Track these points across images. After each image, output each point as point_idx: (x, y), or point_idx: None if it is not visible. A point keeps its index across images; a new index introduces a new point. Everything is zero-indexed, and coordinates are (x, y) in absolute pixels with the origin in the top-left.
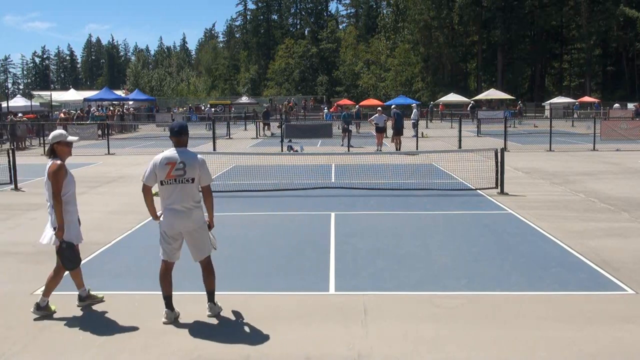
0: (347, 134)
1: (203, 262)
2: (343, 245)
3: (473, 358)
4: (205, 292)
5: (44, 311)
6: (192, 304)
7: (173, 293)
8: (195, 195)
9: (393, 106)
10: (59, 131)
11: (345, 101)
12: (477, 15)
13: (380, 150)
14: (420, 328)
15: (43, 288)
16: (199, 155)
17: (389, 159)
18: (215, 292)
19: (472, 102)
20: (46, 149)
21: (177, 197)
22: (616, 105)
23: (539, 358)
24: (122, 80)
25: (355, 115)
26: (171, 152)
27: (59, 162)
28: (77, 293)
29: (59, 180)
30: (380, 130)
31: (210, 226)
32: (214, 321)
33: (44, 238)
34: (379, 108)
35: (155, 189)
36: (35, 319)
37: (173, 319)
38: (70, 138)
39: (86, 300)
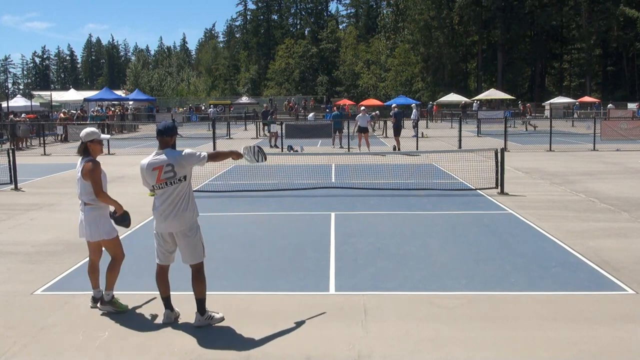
0: (337, 133)
1: (193, 267)
2: (343, 245)
3: (473, 358)
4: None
5: (109, 305)
6: (191, 304)
7: (172, 293)
8: (187, 195)
9: (394, 105)
10: (92, 129)
11: (345, 101)
12: (477, 15)
13: (367, 150)
14: (421, 328)
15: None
16: (183, 151)
17: (389, 159)
18: (216, 292)
19: (464, 101)
20: (79, 147)
21: (170, 199)
22: (610, 105)
23: (539, 358)
24: (122, 80)
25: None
26: (155, 155)
27: (95, 160)
28: (91, 294)
29: (98, 177)
30: (362, 130)
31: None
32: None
33: (84, 235)
34: (363, 107)
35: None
36: (102, 314)
37: (173, 319)
38: (102, 136)
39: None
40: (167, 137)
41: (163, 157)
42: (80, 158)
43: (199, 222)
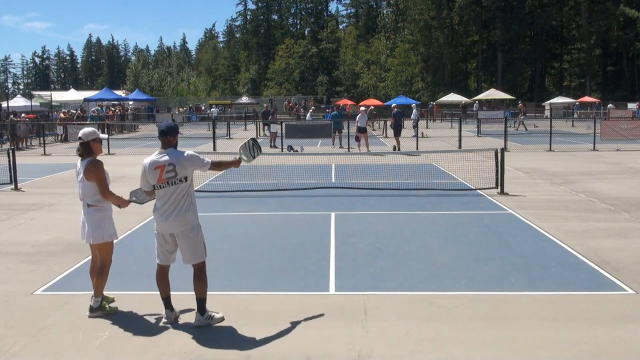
0: (337, 133)
1: (195, 267)
2: (343, 245)
3: (473, 358)
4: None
5: (99, 311)
6: (191, 304)
7: (172, 293)
8: (188, 195)
9: (394, 105)
10: (91, 129)
11: (345, 101)
12: (477, 15)
13: (369, 151)
14: (421, 328)
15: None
16: (186, 152)
17: (389, 159)
18: (216, 292)
19: (464, 102)
20: (79, 147)
21: (171, 199)
22: (610, 105)
23: (539, 358)
24: (122, 80)
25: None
26: (158, 155)
27: (98, 160)
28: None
29: (103, 176)
30: (361, 130)
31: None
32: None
33: (86, 237)
34: (363, 107)
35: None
36: (90, 316)
37: (173, 319)
38: (102, 135)
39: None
40: (169, 137)
41: (165, 157)
42: (80, 159)
43: (199, 222)
